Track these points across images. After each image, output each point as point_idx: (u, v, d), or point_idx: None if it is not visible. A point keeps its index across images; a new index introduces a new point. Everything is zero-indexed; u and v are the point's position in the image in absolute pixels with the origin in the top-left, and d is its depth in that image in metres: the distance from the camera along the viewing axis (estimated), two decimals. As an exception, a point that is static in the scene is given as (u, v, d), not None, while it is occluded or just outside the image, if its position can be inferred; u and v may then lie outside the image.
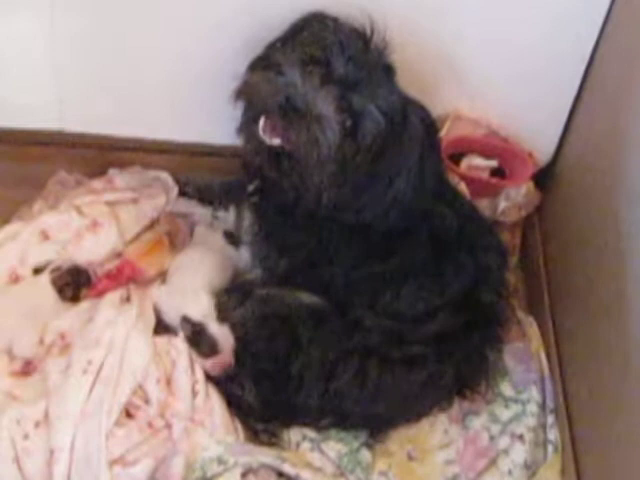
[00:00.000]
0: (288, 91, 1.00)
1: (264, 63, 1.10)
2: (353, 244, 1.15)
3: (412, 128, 1.07)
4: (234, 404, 1.18)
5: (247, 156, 1.14)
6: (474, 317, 1.17)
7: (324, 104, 1.01)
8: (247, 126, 1.09)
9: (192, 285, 1.24)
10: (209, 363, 1.17)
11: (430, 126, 1.10)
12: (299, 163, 1.04)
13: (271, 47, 1.13)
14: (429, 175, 1.08)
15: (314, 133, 1.01)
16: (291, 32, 1.12)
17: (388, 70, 1.08)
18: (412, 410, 1.22)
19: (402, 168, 1.06)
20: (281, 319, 1.18)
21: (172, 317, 1.20)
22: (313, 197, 1.07)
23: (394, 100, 1.05)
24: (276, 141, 1.03)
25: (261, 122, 1.03)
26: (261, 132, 1.04)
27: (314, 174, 1.04)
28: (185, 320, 1.18)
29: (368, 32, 1.07)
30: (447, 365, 1.17)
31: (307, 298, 1.19)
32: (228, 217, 1.41)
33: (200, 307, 1.20)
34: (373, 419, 1.20)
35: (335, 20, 1.10)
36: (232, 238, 1.36)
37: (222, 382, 1.18)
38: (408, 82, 1.26)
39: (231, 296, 1.23)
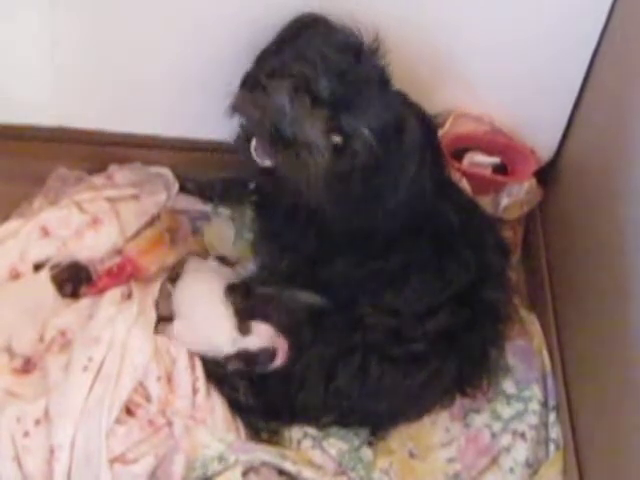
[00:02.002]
0: (276, 118, 1.00)
1: (254, 81, 1.10)
2: (355, 243, 1.15)
3: (408, 141, 1.05)
4: (233, 403, 1.18)
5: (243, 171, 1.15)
6: (476, 315, 1.17)
7: (312, 130, 1.01)
8: (241, 143, 1.09)
9: (210, 315, 1.22)
10: (278, 363, 1.18)
11: (429, 132, 1.09)
12: (291, 183, 1.04)
13: (262, 58, 1.12)
14: (428, 182, 1.08)
15: (303, 160, 1.01)
16: (281, 39, 1.11)
17: (381, 80, 1.06)
18: (413, 408, 1.22)
19: (399, 181, 1.06)
20: (282, 317, 1.17)
21: (199, 348, 1.20)
22: (310, 210, 1.08)
23: (388, 116, 1.04)
24: (267, 162, 1.04)
25: (253, 143, 1.04)
26: (253, 152, 1.04)
27: (306, 193, 1.04)
28: (229, 358, 1.18)
29: (360, 40, 1.06)
30: (448, 363, 1.17)
31: (308, 296, 1.19)
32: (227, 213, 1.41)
33: (225, 334, 1.19)
34: (374, 417, 1.20)
35: (326, 25, 1.09)
36: (225, 260, 1.34)
37: (217, 384, 1.18)
38: (409, 79, 1.26)
39: (232, 295, 1.23)
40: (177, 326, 1.21)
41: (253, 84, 1.09)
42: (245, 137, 1.06)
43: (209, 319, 1.21)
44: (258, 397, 1.18)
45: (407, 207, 1.08)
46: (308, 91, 1.02)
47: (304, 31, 1.09)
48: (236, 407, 1.18)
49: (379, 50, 1.07)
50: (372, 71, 1.05)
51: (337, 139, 1.03)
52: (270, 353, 1.17)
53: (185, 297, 1.25)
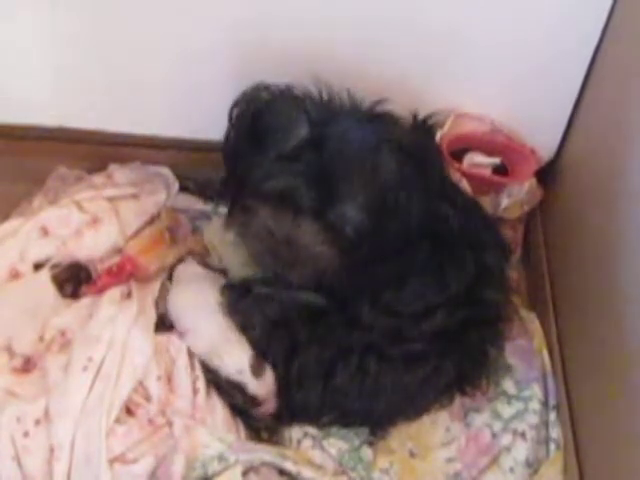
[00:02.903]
0: (271, 248, 1.06)
1: (234, 197, 1.14)
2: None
3: (405, 204, 1.05)
4: (232, 405, 1.18)
5: None
6: (475, 314, 1.17)
7: (306, 242, 1.04)
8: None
9: (220, 334, 1.21)
10: (253, 411, 1.18)
11: (428, 168, 1.09)
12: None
13: (229, 158, 1.14)
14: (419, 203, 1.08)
15: (311, 270, 1.07)
16: (239, 135, 1.11)
17: (351, 141, 1.04)
18: (412, 407, 1.21)
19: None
20: (280, 317, 1.17)
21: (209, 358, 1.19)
22: None
23: (374, 193, 1.03)
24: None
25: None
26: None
27: (324, 281, 1.11)
28: (229, 383, 1.18)
29: (315, 108, 1.05)
30: (447, 362, 1.16)
31: (306, 295, 1.18)
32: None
33: (235, 360, 1.18)
34: (373, 416, 1.19)
35: (276, 110, 1.07)
36: (208, 265, 1.33)
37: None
38: (409, 79, 1.26)
39: (229, 294, 1.23)
40: (189, 340, 1.20)
41: (234, 200, 1.14)
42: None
43: (218, 333, 1.20)
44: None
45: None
46: (292, 202, 1.03)
47: (260, 123, 1.07)
48: (235, 409, 1.18)
49: (332, 106, 1.07)
50: (341, 148, 1.03)
51: (329, 234, 1.05)
52: (260, 401, 1.17)
53: (184, 308, 1.24)
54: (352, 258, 1.07)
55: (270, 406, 1.17)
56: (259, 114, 1.07)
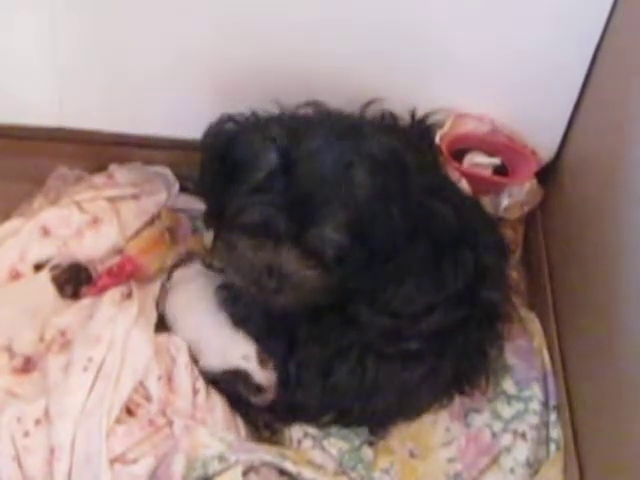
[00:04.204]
0: (255, 279, 1.07)
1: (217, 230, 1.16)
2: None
3: (385, 215, 1.05)
4: (232, 397, 1.19)
5: None
6: (474, 314, 1.17)
7: (288, 269, 1.05)
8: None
9: (218, 328, 1.21)
10: (252, 399, 1.18)
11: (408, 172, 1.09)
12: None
13: (211, 193, 1.15)
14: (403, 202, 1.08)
15: (297, 295, 1.07)
16: (213, 168, 1.12)
17: (332, 182, 1.03)
18: (411, 406, 1.22)
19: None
20: (277, 315, 1.18)
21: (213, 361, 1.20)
22: None
23: (351, 211, 1.03)
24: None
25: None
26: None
27: (312, 302, 1.11)
28: (229, 373, 1.18)
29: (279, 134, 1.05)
30: (445, 361, 1.16)
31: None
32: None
33: (238, 349, 1.19)
34: (372, 415, 1.20)
35: (247, 139, 1.06)
36: (206, 262, 1.33)
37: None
38: (409, 79, 1.26)
39: (226, 294, 1.23)
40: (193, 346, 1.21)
41: (216, 234, 1.16)
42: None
43: (220, 333, 1.20)
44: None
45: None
46: (269, 230, 1.04)
47: (229, 157, 1.08)
48: (235, 401, 1.18)
49: (299, 127, 1.07)
50: (312, 172, 1.03)
51: (312, 258, 1.05)
52: (262, 389, 1.17)
53: (184, 312, 1.24)
54: (337, 276, 1.07)
55: (270, 396, 1.18)
56: (226, 148, 1.08)
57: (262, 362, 1.17)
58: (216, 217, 1.13)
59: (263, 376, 1.17)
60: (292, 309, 1.11)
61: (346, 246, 1.04)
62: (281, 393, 1.18)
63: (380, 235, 1.06)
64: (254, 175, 1.03)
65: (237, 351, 1.18)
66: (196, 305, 1.23)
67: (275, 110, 1.12)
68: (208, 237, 1.37)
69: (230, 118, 1.11)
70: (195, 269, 1.30)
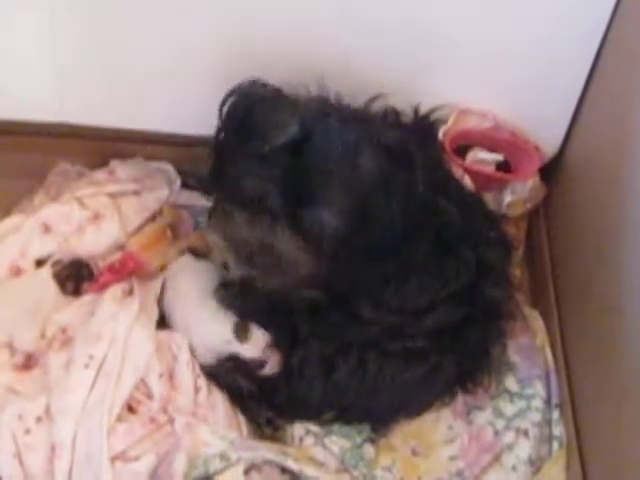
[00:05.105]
0: (248, 254, 1.05)
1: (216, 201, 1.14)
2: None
3: (386, 206, 1.04)
4: (234, 392, 1.18)
5: None
6: (477, 311, 1.17)
7: (282, 248, 1.03)
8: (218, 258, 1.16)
9: (200, 319, 1.21)
10: (267, 372, 1.18)
11: (410, 166, 1.06)
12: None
13: (215, 168, 1.12)
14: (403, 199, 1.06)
15: (288, 276, 1.06)
16: (226, 135, 1.10)
17: (336, 152, 1.02)
18: (413, 404, 1.21)
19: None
20: (279, 312, 1.17)
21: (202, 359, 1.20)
22: None
23: (352, 196, 1.02)
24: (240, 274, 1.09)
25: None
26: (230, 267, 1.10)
27: (303, 286, 1.09)
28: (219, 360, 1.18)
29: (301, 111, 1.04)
30: (448, 359, 1.16)
31: (305, 291, 1.18)
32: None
33: (219, 335, 1.18)
34: (374, 412, 1.20)
35: (264, 110, 1.05)
36: (197, 251, 1.33)
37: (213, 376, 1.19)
38: (411, 76, 1.26)
39: (228, 290, 1.22)
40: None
41: (216, 201, 1.14)
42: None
43: (201, 323, 1.20)
44: (258, 384, 1.19)
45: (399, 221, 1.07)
46: (267, 206, 1.02)
47: (251, 118, 1.06)
48: (237, 396, 1.18)
49: (327, 105, 1.07)
50: (320, 151, 1.01)
51: (307, 238, 1.03)
52: (260, 363, 1.17)
53: (174, 305, 1.24)
54: (331, 264, 1.06)
55: (273, 365, 1.17)
56: (252, 108, 1.06)
57: (239, 338, 1.17)
58: (218, 182, 1.11)
59: (250, 349, 1.16)
60: (282, 293, 1.10)
61: (343, 232, 1.02)
62: (283, 389, 1.18)
63: (379, 227, 1.04)
64: (271, 140, 1.01)
65: (218, 338, 1.17)
66: (182, 301, 1.23)
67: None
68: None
69: (263, 84, 1.09)
70: (184, 263, 1.30)
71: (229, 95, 1.09)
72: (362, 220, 1.03)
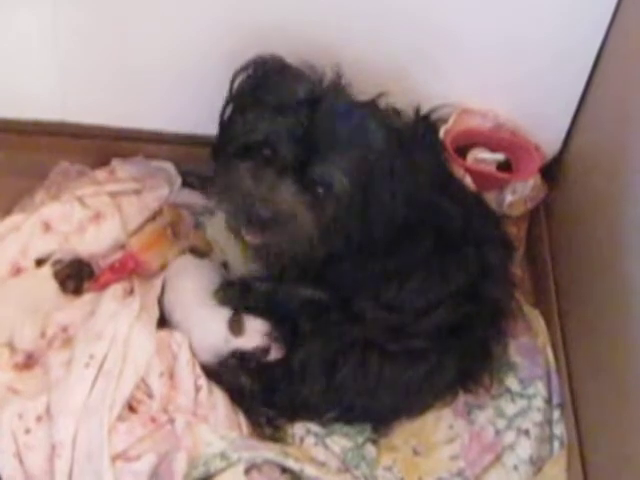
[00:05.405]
0: (248, 203, 1.02)
1: (225, 158, 1.11)
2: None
3: (390, 178, 1.05)
4: (235, 391, 1.18)
5: None
6: (478, 311, 1.17)
7: (286, 202, 1.02)
8: (232, 227, 1.12)
9: (200, 318, 1.21)
10: (273, 357, 1.18)
11: (412, 146, 1.09)
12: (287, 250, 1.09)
13: (225, 123, 1.13)
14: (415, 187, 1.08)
15: (287, 232, 1.04)
16: (239, 97, 1.11)
17: (346, 113, 1.04)
18: (414, 403, 1.21)
19: (385, 204, 1.07)
20: (281, 312, 1.17)
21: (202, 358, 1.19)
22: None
23: (359, 158, 1.03)
24: (258, 241, 1.07)
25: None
26: (244, 234, 1.07)
27: (302, 251, 1.08)
28: (225, 358, 1.18)
29: (318, 80, 1.06)
30: (449, 358, 1.16)
31: (307, 291, 1.18)
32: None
33: (218, 335, 1.18)
34: (376, 412, 1.20)
35: (282, 74, 1.08)
36: (198, 251, 1.33)
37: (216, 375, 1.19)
38: (413, 73, 1.26)
39: (229, 291, 1.22)
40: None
41: (225, 161, 1.11)
42: (233, 219, 1.10)
43: (200, 323, 1.20)
44: (260, 382, 1.18)
45: (401, 210, 1.08)
46: (276, 159, 1.02)
47: (261, 84, 1.08)
48: (238, 395, 1.18)
49: (340, 83, 1.07)
50: (333, 113, 1.03)
51: (316, 196, 1.03)
52: (264, 350, 1.17)
53: (174, 305, 1.24)
54: (331, 228, 1.06)
55: (277, 352, 1.17)
56: (269, 70, 1.08)
57: (234, 332, 1.17)
58: (224, 149, 1.11)
59: (248, 340, 1.17)
60: (276, 254, 1.09)
61: (347, 192, 1.03)
62: (284, 389, 1.18)
63: (382, 198, 1.05)
64: (285, 98, 1.03)
65: (219, 337, 1.18)
66: (183, 300, 1.23)
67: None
68: (211, 231, 1.37)
69: (280, 58, 1.10)
70: (184, 262, 1.30)
71: (243, 69, 1.10)
72: (367, 187, 1.03)
